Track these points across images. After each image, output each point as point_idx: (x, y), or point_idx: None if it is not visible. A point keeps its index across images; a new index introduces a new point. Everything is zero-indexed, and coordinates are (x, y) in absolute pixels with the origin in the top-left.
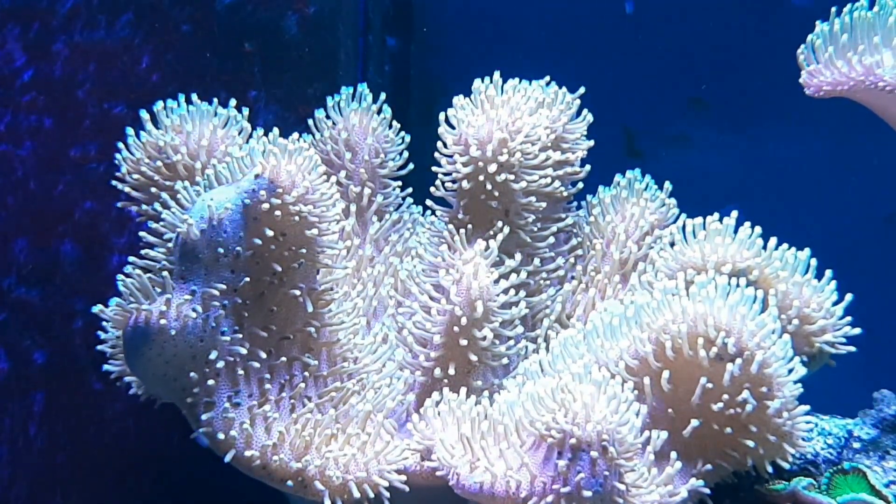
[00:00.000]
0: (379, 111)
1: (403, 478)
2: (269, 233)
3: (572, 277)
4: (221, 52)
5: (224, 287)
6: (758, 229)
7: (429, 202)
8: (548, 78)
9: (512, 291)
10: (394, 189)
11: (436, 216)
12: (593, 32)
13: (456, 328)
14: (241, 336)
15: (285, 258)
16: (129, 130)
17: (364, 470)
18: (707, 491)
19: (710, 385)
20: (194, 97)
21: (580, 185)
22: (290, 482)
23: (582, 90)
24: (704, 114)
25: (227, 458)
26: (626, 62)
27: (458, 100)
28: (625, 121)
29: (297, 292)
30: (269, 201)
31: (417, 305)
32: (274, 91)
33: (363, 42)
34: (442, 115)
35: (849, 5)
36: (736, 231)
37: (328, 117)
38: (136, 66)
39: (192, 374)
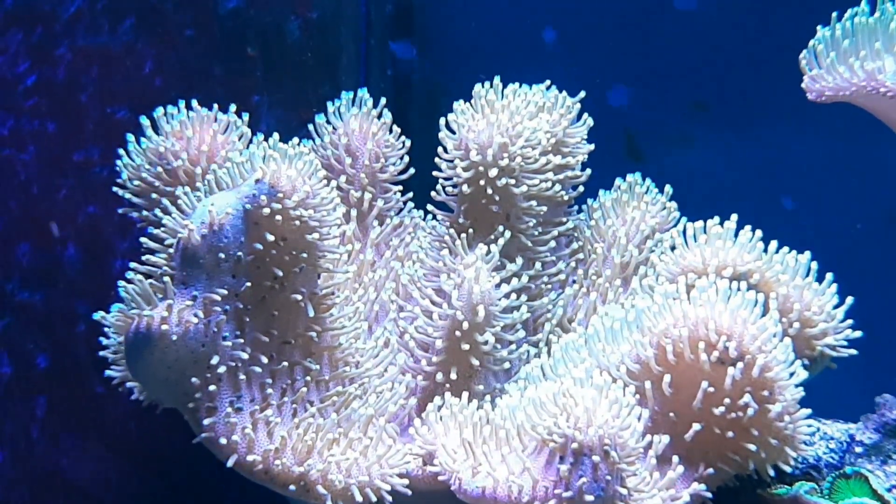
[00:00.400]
0: (379, 116)
1: (406, 482)
2: (270, 237)
3: (573, 281)
4: (224, 56)
5: (225, 292)
6: (758, 233)
7: (430, 207)
8: (548, 82)
9: (513, 296)
10: (394, 194)
11: (437, 220)
12: (593, 35)
13: (458, 332)
14: (242, 341)
15: (286, 263)
16: (130, 137)
17: (366, 474)
18: (709, 495)
19: (711, 389)
20: (195, 103)
21: (581, 188)
22: (292, 486)
23: (582, 94)
24: (705, 116)
25: (230, 463)
26: (627, 65)
27: (459, 104)
28: (625, 123)
29: (299, 297)
30: (269, 206)
31: (419, 310)
32: (276, 95)
33: (365, 46)
34: (442, 120)
35: (850, 10)
36: (737, 234)
37: (328, 122)
38: (139, 70)
39: (193, 379)
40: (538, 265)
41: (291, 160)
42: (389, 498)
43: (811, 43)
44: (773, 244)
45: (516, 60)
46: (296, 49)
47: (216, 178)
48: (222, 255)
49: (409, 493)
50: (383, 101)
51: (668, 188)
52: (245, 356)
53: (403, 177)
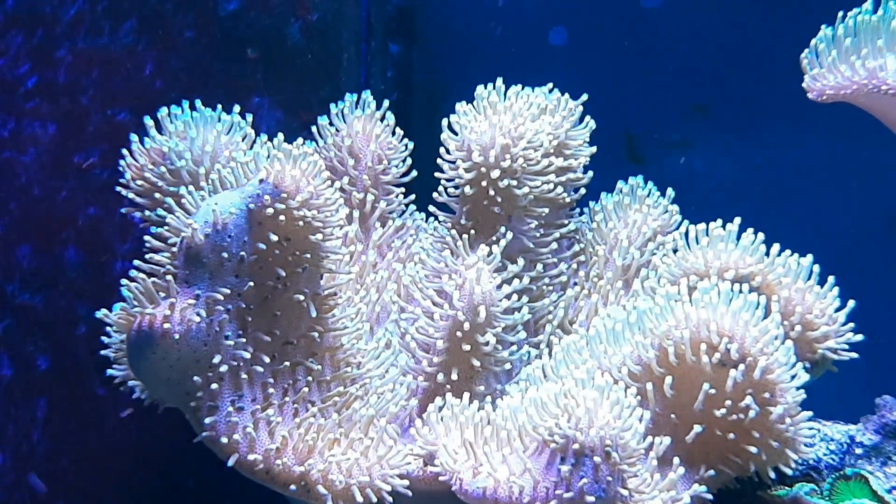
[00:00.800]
0: (382, 118)
1: (406, 482)
2: (274, 237)
3: (575, 283)
4: (225, 58)
5: (228, 291)
6: (760, 235)
7: (431, 208)
8: (550, 85)
9: (514, 297)
10: (397, 195)
11: (439, 222)
12: (595, 38)
13: (459, 333)
14: (244, 340)
15: (289, 263)
16: (133, 136)
17: (367, 474)
18: (710, 496)
19: (712, 391)
20: (198, 103)
21: (583, 191)
22: (293, 486)
23: (585, 97)
24: (706, 118)
25: (231, 462)
26: (628, 68)
27: (461, 106)
28: (627, 126)
29: (301, 297)
30: (273, 206)
31: (420, 311)
32: (277, 97)
33: (366, 48)
34: (445, 121)
35: (854, 9)
36: (739, 237)
37: (331, 124)
38: (140, 72)
39: (195, 378)
40: (540, 267)
41: (296, 160)
42: (390, 499)
43: (813, 42)
44: (776, 247)
45: (517, 61)
46: (296, 51)
47: (220, 178)
48: (225, 255)
49: (410, 493)
50: (386, 103)
51: (669, 191)
52: (247, 356)
53: (406, 179)
